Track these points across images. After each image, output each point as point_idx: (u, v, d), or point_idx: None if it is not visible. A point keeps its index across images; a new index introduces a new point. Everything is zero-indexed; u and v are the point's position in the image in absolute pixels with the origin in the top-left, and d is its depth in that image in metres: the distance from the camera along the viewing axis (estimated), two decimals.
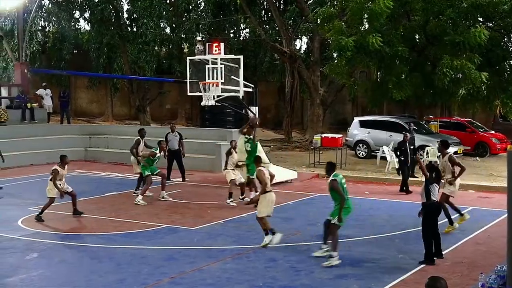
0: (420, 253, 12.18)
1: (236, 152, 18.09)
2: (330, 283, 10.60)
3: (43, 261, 11.98)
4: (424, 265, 11.61)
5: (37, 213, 15.51)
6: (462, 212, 14.83)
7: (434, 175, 12.20)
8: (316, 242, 13.20)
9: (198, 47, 21.23)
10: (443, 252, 12.20)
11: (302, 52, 41.92)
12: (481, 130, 30.18)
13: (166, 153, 21.71)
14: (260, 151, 21.02)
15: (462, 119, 31.52)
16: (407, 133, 21.26)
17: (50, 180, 15.47)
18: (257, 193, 14.32)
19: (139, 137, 19.35)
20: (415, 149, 22.00)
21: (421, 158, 24.74)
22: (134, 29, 42.11)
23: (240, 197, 17.94)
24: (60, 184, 15.34)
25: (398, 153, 20.71)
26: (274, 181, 19.51)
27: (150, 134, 27.47)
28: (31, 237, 13.69)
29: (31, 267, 11.52)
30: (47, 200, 15.55)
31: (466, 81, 23.48)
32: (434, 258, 11.88)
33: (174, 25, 42.54)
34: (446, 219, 14.09)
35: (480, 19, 25.22)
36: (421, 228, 12.09)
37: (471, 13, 24.23)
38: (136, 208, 16.80)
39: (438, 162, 14.94)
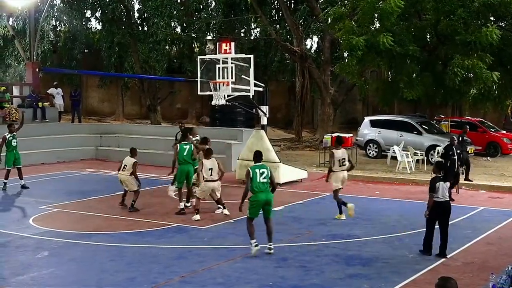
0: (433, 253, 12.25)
1: None
2: (341, 283, 10.59)
3: (54, 259, 12.03)
4: (441, 258, 11.90)
5: (130, 206, 16.23)
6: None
7: (443, 173, 12.21)
8: (327, 242, 13.21)
9: (208, 47, 21.31)
10: (455, 252, 12.22)
11: (312, 51, 41.89)
12: (492, 130, 30.04)
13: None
14: (270, 150, 21.09)
15: (473, 118, 31.37)
16: (454, 137, 19.44)
17: (131, 174, 16.20)
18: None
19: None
20: (463, 156, 19.93)
21: (431, 158, 24.77)
22: (145, 28, 42.22)
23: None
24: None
25: (443, 157, 18.82)
26: (284, 180, 19.61)
27: (161, 134, 27.71)
28: (42, 236, 13.75)
29: (42, 265, 11.56)
30: (134, 193, 16.27)
31: (477, 81, 23.39)
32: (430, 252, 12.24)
33: (184, 25, 42.60)
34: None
35: (492, 18, 25.13)
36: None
37: (482, 12, 24.14)
38: (146, 207, 16.81)
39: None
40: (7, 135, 19.87)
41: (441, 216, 12.13)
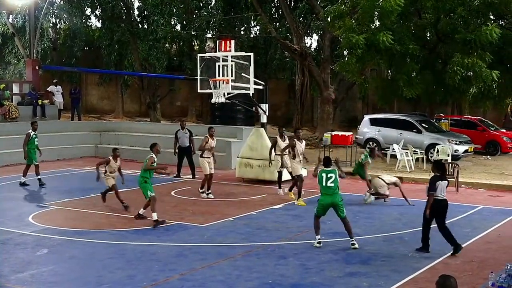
0: (431, 251, 12.24)
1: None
2: (340, 281, 10.58)
3: (54, 257, 12.02)
4: (453, 255, 12.00)
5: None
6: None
7: (441, 172, 12.24)
8: (326, 240, 13.21)
9: (208, 44, 21.33)
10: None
11: (312, 49, 41.87)
12: (492, 129, 30.05)
13: (176, 150, 21.78)
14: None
15: (473, 117, 31.39)
16: None
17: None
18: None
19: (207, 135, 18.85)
20: None
21: (431, 157, 24.79)
22: (145, 26, 42.20)
23: (200, 190, 18.39)
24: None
25: None
26: (284, 178, 19.60)
27: (161, 131, 27.71)
28: (42, 233, 13.74)
29: (42, 262, 11.56)
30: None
31: (477, 79, 23.42)
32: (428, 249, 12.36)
33: (184, 22, 42.60)
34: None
35: (492, 17, 25.18)
36: (436, 225, 12.28)
37: (482, 11, 24.19)
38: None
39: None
40: (31, 132, 20.10)
41: (439, 214, 12.17)
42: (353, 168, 18.61)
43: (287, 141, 18.34)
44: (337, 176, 12.75)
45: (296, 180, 17.71)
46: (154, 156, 14.99)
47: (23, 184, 19.97)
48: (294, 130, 18.42)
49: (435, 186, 11.98)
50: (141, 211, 15.13)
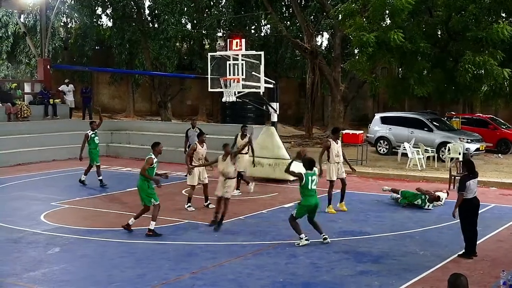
0: (442, 250, 12.24)
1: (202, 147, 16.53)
2: (351, 279, 10.57)
3: (65, 255, 12.07)
4: (462, 258, 11.81)
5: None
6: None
7: (471, 170, 12.07)
8: (337, 239, 13.20)
9: (219, 43, 21.29)
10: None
11: (323, 48, 41.90)
12: (504, 127, 29.91)
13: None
14: (281, 147, 21.12)
15: (484, 115, 31.26)
16: None
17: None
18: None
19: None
20: None
21: (442, 155, 24.71)
22: (156, 25, 42.36)
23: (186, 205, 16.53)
24: None
25: None
26: (295, 177, 19.56)
27: (171, 130, 27.76)
28: (53, 232, 13.79)
29: (53, 261, 11.61)
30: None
31: (489, 78, 23.32)
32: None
33: (195, 21, 42.66)
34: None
35: (503, 14, 25.04)
36: (459, 223, 12.09)
37: (494, 8, 24.07)
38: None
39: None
40: (89, 132, 20.06)
41: (470, 213, 11.94)
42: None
43: (247, 140, 18.04)
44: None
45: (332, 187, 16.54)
46: (153, 157, 13.61)
47: (82, 182, 19.93)
48: (332, 130, 17.49)
49: (465, 186, 11.82)
50: (131, 220, 13.87)
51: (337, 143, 16.34)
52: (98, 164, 20.04)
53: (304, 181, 12.71)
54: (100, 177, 19.88)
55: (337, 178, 16.22)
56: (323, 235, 12.87)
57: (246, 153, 18.52)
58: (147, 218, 13.61)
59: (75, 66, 42.89)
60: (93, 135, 20.09)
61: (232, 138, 24.01)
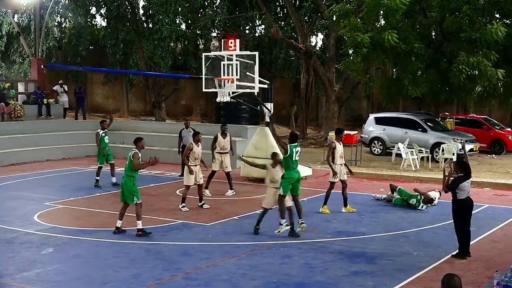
0: (436, 250, 12.27)
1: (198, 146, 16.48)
2: (345, 280, 10.58)
3: (59, 255, 12.05)
4: (456, 258, 11.81)
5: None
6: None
7: (465, 172, 12.08)
8: (331, 239, 13.21)
9: (213, 43, 21.26)
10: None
11: (317, 48, 41.86)
12: (497, 128, 29.98)
13: (180, 149, 21.78)
14: (275, 147, 21.10)
15: (478, 116, 31.33)
16: None
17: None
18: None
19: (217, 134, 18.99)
20: None
21: (436, 156, 24.73)
22: (150, 25, 42.33)
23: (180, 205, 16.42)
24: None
25: None
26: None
27: (165, 130, 27.73)
28: (47, 232, 13.77)
29: (47, 261, 11.58)
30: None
31: (482, 78, 23.40)
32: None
33: (189, 22, 42.63)
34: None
35: (497, 15, 25.12)
36: (453, 223, 12.12)
37: (488, 9, 24.15)
38: (151, 204, 16.82)
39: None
40: (100, 131, 19.92)
41: (463, 214, 11.94)
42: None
43: (228, 139, 18.55)
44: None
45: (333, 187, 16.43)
46: (138, 152, 13.66)
47: (115, 184, 19.55)
48: (336, 131, 16.80)
49: (458, 186, 11.82)
50: (119, 223, 13.74)
51: (340, 144, 16.14)
52: (101, 166, 19.84)
53: (288, 153, 13.14)
54: (98, 178, 19.80)
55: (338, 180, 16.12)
56: (301, 220, 13.19)
57: (227, 153, 18.91)
58: (143, 218, 13.61)
59: (69, 66, 42.83)
60: (103, 134, 19.94)
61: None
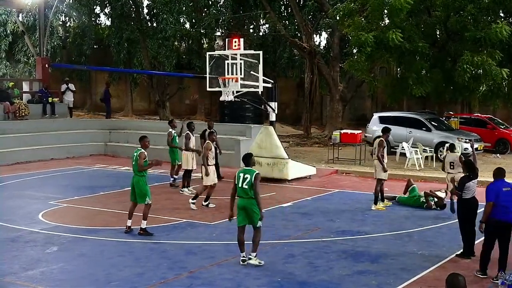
0: (440, 249, 12.24)
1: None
2: (349, 279, 10.58)
3: (63, 254, 12.07)
4: (461, 257, 11.80)
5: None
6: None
7: (471, 172, 12.08)
8: (335, 238, 13.21)
9: (217, 43, 21.23)
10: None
11: (321, 47, 41.82)
12: (502, 127, 29.90)
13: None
14: (279, 147, 21.11)
15: (482, 115, 31.26)
16: None
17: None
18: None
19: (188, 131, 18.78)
20: None
21: (440, 155, 24.68)
22: (154, 24, 42.34)
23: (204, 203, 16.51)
24: None
25: None
26: (293, 177, 19.57)
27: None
28: (51, 231, 13.80)
29: (51, 260, 11.61)
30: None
31: (487, 78, 23.36)
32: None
33: (193, 21, 42.65)
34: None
35: (502, 14, 25.08)
36: (458, 222, 12.10)
37: (492, 8, 24.10)
38: (155, 203, 16.81)
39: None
40: (172, 131, 19.61)
41: (468, 213, 11.92)
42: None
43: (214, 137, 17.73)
44: (254, 179, 11.05)
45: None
46: (144, 151, 13.51)
47: (173, 185, 19.51)
48: (383, 130, 17.28)
49: (464, 186, 11.82)
50: (129, 222, 13.75)
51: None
52: (180, 163, 19.39)
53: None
54: (175, 177, 19.62)
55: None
56: (249, 255, 11.42)
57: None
58: (153, 217, 13.63)
59: (74, 65, 42.88)
60: (175, 134, 19.61)
61: (230, 137, 24.15)
